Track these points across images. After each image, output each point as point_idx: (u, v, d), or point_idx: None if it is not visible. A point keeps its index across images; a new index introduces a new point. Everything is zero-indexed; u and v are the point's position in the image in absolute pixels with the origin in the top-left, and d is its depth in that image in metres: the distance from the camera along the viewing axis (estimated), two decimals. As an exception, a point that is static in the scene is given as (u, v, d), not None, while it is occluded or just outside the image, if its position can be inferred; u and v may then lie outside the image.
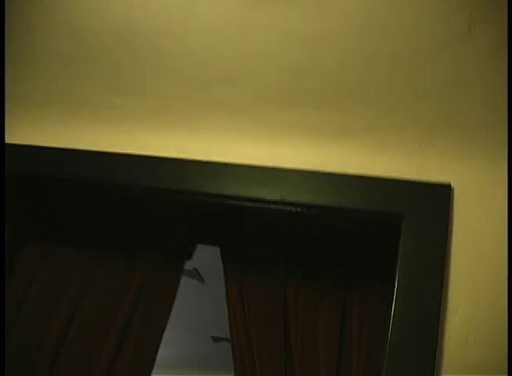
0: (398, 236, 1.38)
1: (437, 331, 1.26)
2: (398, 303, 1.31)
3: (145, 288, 1.69)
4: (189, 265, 3.75)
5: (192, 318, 4.07)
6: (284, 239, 1.66)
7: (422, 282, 1.33)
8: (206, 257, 3.41)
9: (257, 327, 1.62)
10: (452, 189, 1.41)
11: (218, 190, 1.47)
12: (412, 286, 1.33)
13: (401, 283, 1.33)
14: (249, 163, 1.48)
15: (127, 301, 1.66)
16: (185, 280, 3.69)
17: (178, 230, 1.74)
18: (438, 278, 1.32)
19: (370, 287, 1.61)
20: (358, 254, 1.62)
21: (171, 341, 4.17)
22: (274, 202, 1.44)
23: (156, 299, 1.69)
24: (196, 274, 3.81)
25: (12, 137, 1.54)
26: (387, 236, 1.42)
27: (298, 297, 1.64)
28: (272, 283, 1.67)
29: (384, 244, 1.46)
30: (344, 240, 1.60)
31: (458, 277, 1.33)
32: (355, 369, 1.54)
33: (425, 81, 1.43)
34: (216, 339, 4.40)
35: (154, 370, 1.66)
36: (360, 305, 1.60)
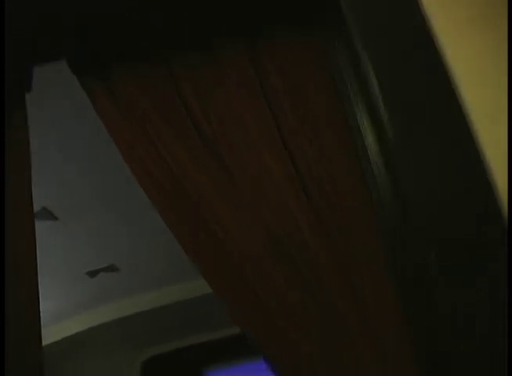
0: None
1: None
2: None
3: None
4: (35, 206, 3.29)
5: (59, 261, 3.65)
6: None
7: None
8: (51, 191, 3.00)
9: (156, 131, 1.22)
10: None
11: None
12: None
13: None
14: None
15: None
16: (37, 224, 3.27)
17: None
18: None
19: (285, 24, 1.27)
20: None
21: (49, 294, 3.72)
22: None
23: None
24: (46, 214, 3.42)
25: None
26: None
27: (194, 72, 1.25)
28: (152, 69, 1.26)
29: None
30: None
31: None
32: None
33: None
34: (92, 274, 4.03)
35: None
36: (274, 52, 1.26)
